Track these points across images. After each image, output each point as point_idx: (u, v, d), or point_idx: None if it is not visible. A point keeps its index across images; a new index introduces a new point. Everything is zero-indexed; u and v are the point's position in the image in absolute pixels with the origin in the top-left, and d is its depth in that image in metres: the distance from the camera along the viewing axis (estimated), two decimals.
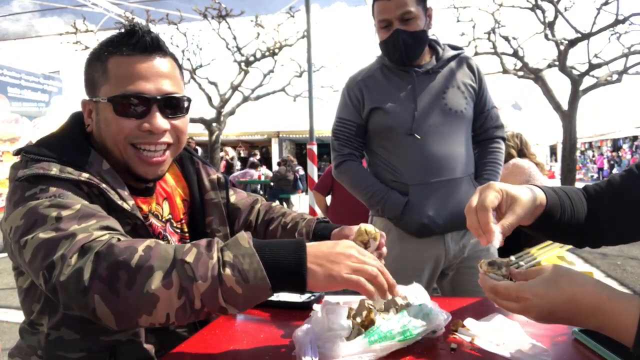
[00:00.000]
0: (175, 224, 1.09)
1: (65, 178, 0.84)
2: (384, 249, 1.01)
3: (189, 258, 0.70)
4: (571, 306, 0.70)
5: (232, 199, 1.24)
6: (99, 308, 0.68)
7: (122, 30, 0.96)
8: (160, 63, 0.94)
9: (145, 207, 1.02)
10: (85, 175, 0.86)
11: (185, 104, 0.99)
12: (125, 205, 0.89)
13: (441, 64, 1.71)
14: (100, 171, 0.90)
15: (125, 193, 0.92)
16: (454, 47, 1.78)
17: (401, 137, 1.65)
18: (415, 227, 1.64)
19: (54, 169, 0.85)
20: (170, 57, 0.98)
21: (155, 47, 0.94)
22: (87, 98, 0.97)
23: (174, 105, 0.96)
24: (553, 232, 0.96)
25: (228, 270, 0.70)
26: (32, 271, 0.76)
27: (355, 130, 1.75)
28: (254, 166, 12.96)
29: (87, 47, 10.46)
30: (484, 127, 1.80)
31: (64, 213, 0.78)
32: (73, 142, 0.93)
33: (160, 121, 0.93)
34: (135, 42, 0.92)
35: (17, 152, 0.92)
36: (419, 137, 1.63)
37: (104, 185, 0.87)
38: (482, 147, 1.81)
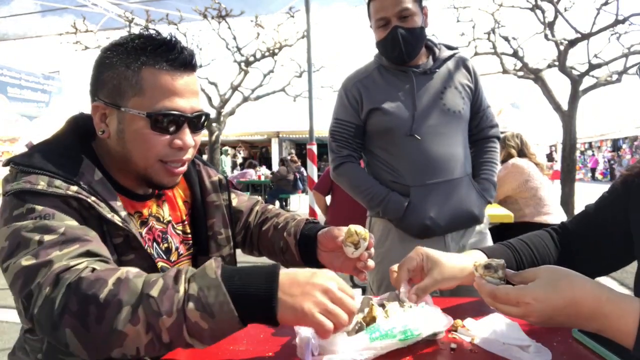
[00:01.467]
0: (176, 226, 1.09)
1: (52, 193, 0.82)
2: (372, 250, 1.02)
3: (154, 292, 0.69)
4: (571, 309, 0.70)
5: (234, 202, 1.23)
6: (71, 342, 0.68)
7: (154, 37, 0.92)
8: (193, 80, 0.94)
9: (145, 211, 1.02)
10: (73, 189, 0.84)
11: (204, 120, 1.00)
12: (116, 219, 0.87)
13: (438, 65, 1.71)
14: (91, 182, 0.88)
15: (118, 204, 0.90)
16: (449, 47, 1.78)
17: (401, 138, 1.65)
18: (417, 229, 1.64)
19: (42, 183, 0.82)
20: (196, 72, 0.98)
21: (191, 63, 0.93)
22: (102, 101, 0.92)
23: (200, 123, 0.97)
24: None
25: (191, 305, 0.67)
26: (14, 296, 0.76)
27: (354, 132, 1.74)
28: (252, 166, 12.96)
29: (87, 47, 10.45)
30: (479, 127, 1.81)
31: (47, 238, 0.76)
32: (65, 150, 0.91)
33: (189, 138, 0.94)
34: (175, 58, 0.90)
35: (7, 163, 0.89)
36: (419, 137, 1.63)
37: (92, 199, 0.85)
38: (478, 147, 1.82)
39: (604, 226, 0.99)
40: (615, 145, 22.65)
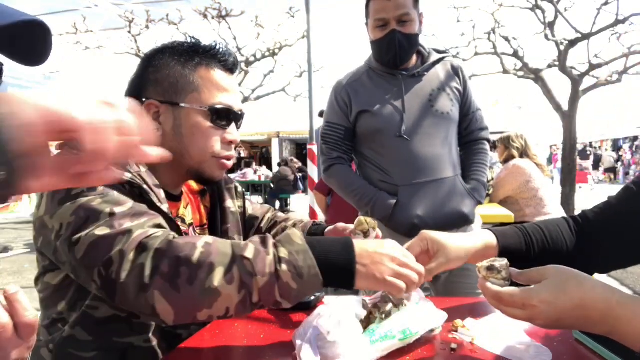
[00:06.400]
0: (196, 229, 1.12)
1: None
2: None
3: (248, 254, 0.73)
4: (580, 312, 0.67)
5: (250, 210, 1.28)
6: (159, 304, 0.70)
7: (200, 42, 1.00)
8: (237, 81, 1.04)
9: (175, 212, 1.05)
10: (128, 175, 0.85)
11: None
12: (163, 208, 0.89)
13: (427, 67, 1.73)
14: (139, 172, 0.90)
15: (162, 195, 0.92)
16: (438, 51, 1.80)
17: (390, 139, 1.67)
18: (406, 228, 1.64)
19: None
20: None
21: (236, 67, 1.04)
22: (155, 100, 0.95)
23: (241, 121, 1.05)
24: (528, 264, 0.89)
25: (284, 267, 0.73)
26: (85, 268, 0.75)
27: (344, 134, 1.76)
28: (248, 165, 12.96)
29: (87, 48, 10.45)
30: (469, 130, 1.82)
31: (117, 209, 0.78)
32: None
33: (237, 134, 1.03)
34: (226, 60, 1.00)
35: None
36: (407, 138, 1.64)
37: (145, 186, 0.87)
38: (468, 149, 1.84)
39: (628, 216, 0.93)
40: (615, 145, 22.61)
